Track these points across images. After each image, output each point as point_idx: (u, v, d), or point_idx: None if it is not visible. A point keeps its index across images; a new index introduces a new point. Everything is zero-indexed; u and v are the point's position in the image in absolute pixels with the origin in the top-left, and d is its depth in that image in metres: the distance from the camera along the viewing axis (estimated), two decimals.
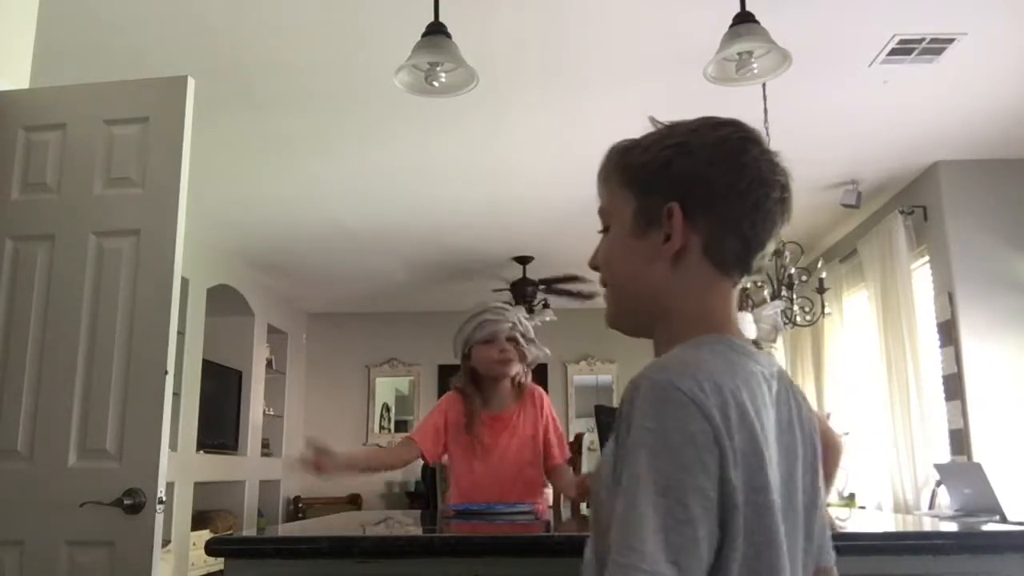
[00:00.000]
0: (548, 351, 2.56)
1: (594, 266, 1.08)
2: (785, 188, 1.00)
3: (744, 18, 2.46)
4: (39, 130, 2.44)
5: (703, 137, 0.99)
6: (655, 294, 1.00)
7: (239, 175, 4.96)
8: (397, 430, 8.71)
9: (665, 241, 0.97)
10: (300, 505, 8.09)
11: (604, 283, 1.07)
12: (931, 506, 4.47)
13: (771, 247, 1.01)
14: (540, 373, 8.12)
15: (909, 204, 4.98)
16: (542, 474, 2.49)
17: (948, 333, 4.62)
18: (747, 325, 2.32)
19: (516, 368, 2.44)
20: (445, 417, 2.48)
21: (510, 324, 2.43)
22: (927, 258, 4.95)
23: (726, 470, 0.83)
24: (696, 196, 0.96)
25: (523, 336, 2.44)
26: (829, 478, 2.37)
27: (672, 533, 0.79)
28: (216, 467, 6.51)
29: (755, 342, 2.21)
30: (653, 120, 1.04)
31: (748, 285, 4.14)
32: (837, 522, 2.03)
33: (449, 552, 1.50)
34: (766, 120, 3.85)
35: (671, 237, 0.97)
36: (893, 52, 3.51)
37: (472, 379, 2.46)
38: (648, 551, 0.78)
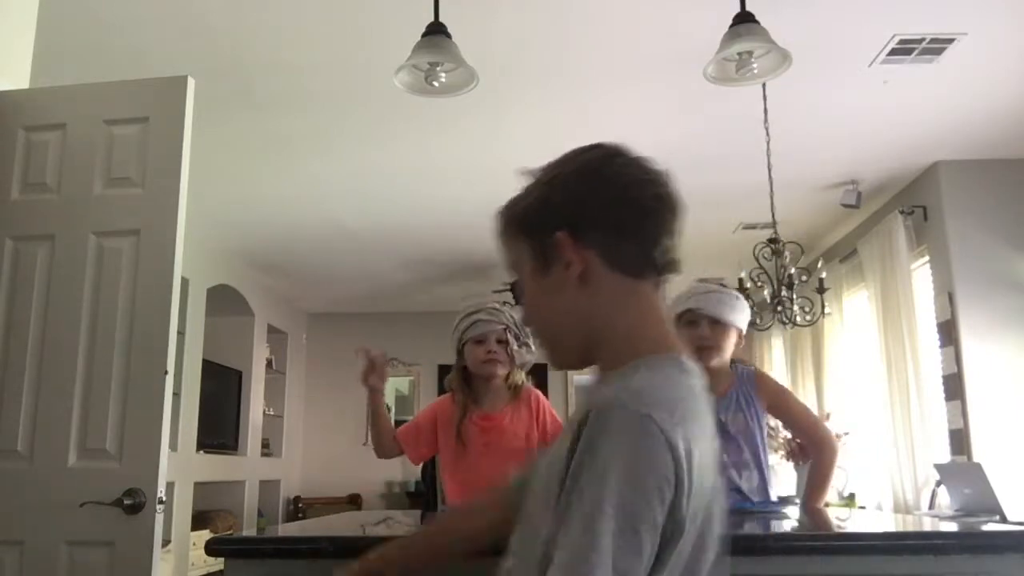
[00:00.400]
0: (538, 352, 2.55)
1: (527, 321, 1.13)
2: (660, 184, 1.05)
3: (744, 18, 2.45)
4: (39, 130, 2.44)
5: (569, 165, 1.06)
6: (579, 321, 1.05)
7: (239, 175, 4.96)
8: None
9: (566, 268, 1.02)
10: (300, 505, 8.09)
11: (535, 334, 1.13)
12: (931, 506, 4.47)
13: (670, 241, 1.06)
14: (540, 373, 8.10)
15: (909, 204, 4.98)
16: None
17: (948, 333, 4.62)
18: (742, 312, 2.38)
19: (503, 370, 2.43)
20: (434, 418, 2.48)
21: (503, 326, 2.41)
22: (927, 258, 4.95)
23: (679, 500, 0.86)
24: (578, 218, 1.03)
25: (517, 339, 2.43)
26: (825, 479, 2.38)
27: (621, 560, 0.83)
28: (216, 467, 6.51)
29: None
30: (525, 171, 1.10)
31: (748, 285, 4.14)
32: (837, 522, 2.03)
33: None
34: (766, 120, 3.85)
35: (570, 263, 1.02)
36: (893, 52, 3.51)
37: (464, 376, 2.46)
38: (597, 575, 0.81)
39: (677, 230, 1.05)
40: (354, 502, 8.21)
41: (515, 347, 2.42)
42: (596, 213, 1.02)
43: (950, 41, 3.42)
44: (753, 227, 5.60)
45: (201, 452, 6.22)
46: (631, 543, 0.83)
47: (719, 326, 2.34)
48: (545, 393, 2.62)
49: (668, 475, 0.85)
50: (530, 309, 1.10)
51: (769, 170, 4.07)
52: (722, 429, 2.33)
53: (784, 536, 1.76)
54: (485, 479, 2.34)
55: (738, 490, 2.29)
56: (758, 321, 4.24)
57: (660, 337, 1.03)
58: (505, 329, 2.42)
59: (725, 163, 4.70)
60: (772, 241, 4.18)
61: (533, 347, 2.48)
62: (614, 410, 0.88)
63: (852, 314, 5.85)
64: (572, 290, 1.03)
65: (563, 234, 1.02)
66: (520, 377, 2.49)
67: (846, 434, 4.88)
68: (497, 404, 2.45)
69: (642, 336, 1.02)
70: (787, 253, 4.25)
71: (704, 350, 2.33)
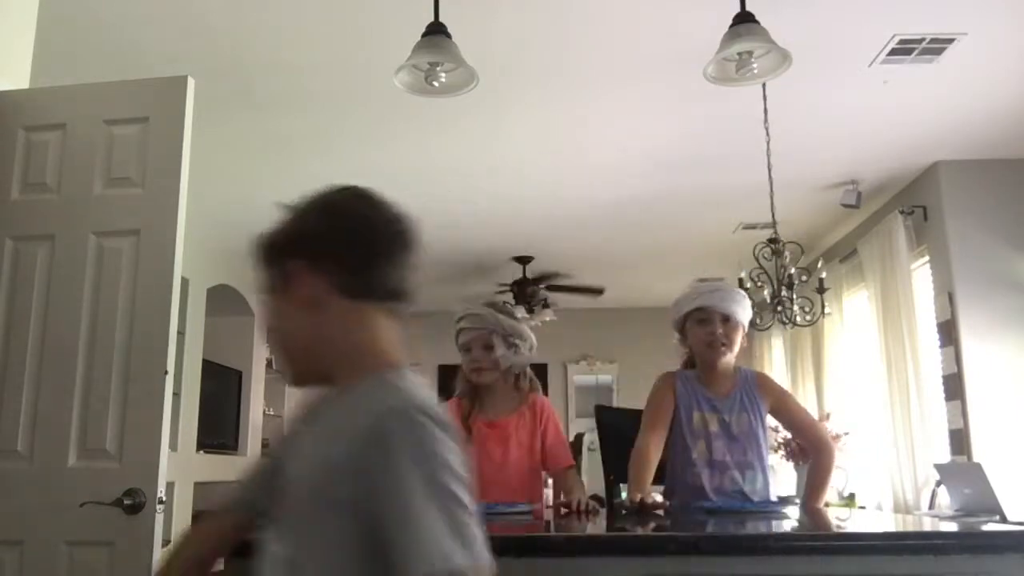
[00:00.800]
0: (531, 353, 2.47)
1: (270, 342, 1.24)
2: (396, 223, 1.19)
3: (744, 18, 2.45)
4: (39, 130, 2.44)
5: (318, 202, 1.21)
6: (314, 342, 1.16)
7: (239, 175, 4.96)
8: None
9: (300, 294, 1.14)
10: None
11: (277, 354, 1.23)
12: (931, 506, 4.47)
13: (402, 273, 1.17)
14: (540, 373, 8.10)
15: (909, 204, 4.98)
16: (541, 479, 2.47)
17: (948, 333, 4.62)
18: (748, 308, 2.37)
19: (489, 377, 2.39)
20: None
21: (488, 330, 2.37)
22: (927, 258, 4.95)
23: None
24: (315, 250, 1.15)
25: (506, 340, 2.40)
26: (824, 480, 2.37)
27: (452, 521, 0.95)
28: (216, 467, 6.50)
29: None
30: (282, 204, 1.21)
31: (748, 285, 4.14)
32: (837, 522, 2.03)
33: None
34: (766, 120, 3.85)
35: (303, 290, 1.14)
36: (893, 52, 3.51)
37: (468, 381, 2.44)
38: (446, 549, 0.93)
39: (410, 264, 1.18)
40: None
41: (502, 351, 2.37)
42: (331, 246, 1.15)
43: (950, 41, 3.42)
44: (753, 227, 5.60)
45: (201, 452, 6.21)
46: (452, 502, 0.96)
47: (730, 323, 2.33)
48: (545, 392, 2.59)
49: (457, 450, 1.03)
50: (272, 331, 1.21)
51: (769, 170, 4.07)
52: (726, 430, 2.31)
53: (784, 536, 1.76)
54: (496, 485, 2.31)
55: (741, 492, 2.27)
56: (758, 321, 4.24)
57: (390, 354, 1.15)
58: (491, 333, 2.38)
59: (725, 163, 4.70)
60: (772, 241, 4.18)
61: (525, 349, 2.44)
62: (399, 411, 1.02)
63: (852, 314, 5.85)
64: (305, 315, 1.14)
65: (299, 263, 1.14)
66: (526, 383, 2.45)
67: (845, 434, 4.87)
68: (502, 411, 2.42)
69: (372, 354, 1.14)
70: (787, 253, 4.25)
71: (717, 347, 2.32)
